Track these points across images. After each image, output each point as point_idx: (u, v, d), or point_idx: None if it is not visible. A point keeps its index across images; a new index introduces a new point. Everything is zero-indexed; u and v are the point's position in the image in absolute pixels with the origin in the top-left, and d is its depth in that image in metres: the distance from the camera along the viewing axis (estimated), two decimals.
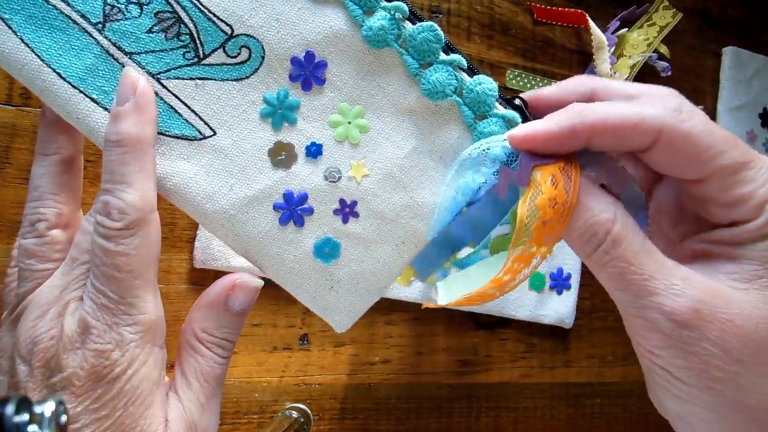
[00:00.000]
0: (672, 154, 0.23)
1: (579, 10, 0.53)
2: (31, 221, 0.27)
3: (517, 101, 0.28)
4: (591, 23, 0.52)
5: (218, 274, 0.41)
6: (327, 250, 0.29)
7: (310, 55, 0.28)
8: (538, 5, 0.53)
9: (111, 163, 0.25)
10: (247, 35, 0.27)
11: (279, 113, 0.28)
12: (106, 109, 0.26)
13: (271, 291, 0.44)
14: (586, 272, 0.51)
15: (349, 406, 0.45)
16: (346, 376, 0.45)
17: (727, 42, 0.62)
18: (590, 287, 0.53)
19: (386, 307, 0.47)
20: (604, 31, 0.52)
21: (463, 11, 0.51)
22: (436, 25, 0.27)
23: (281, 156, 0.28)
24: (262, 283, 0.29)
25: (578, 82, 0.26)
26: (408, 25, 0.28)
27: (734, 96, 0.61)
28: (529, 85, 0.52)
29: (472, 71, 0.28)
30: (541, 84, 0.52)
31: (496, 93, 0.28)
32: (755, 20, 0.65)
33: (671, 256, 0.24)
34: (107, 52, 0.26)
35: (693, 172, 0.23)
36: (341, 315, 0.30)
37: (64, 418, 0.21)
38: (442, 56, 0.28)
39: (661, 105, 0.23)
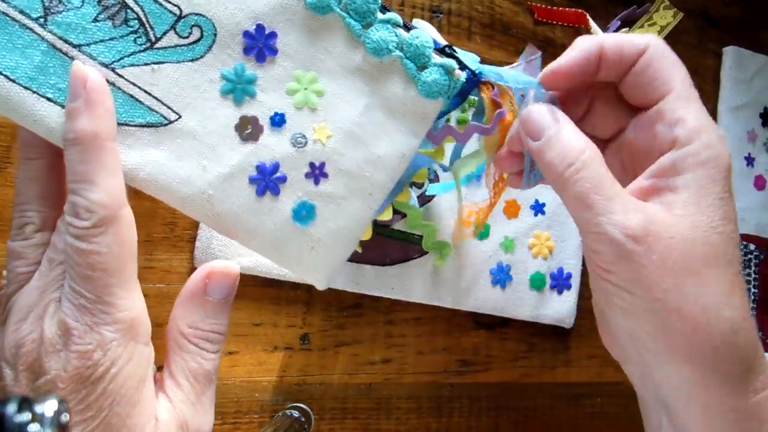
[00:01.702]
0: (646, 69, 0.29)
1: (579, 10, 0.53)
2: (19, 224, 0.27)
3: (448, 49, 0.31)
4: (591, 23, 0.52)
5: None
6: (304, 213, 0.30)
7: (260, 27, 0.28)
8: (538, 5, 0.53)
9: (71, 162, 0.24)
10: (197, 14, 0.27)
11: (239, 88, 0.28)
12: (63, 107, 0.25)
13: (272, 291, 0.44)
14: (586, 272, 0.51)
15: (349, 405, 0.45)
16: (346, 375, 0.45)
17: (728, 42, 0.62)
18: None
19: (387, 307, 0.47)
20: (604, 30, 0.52)
21: (464, 11, 0.51)
22: None
23: (248, 130, 0.29)
24: (238, 267, 0.29)
25: (585, 44, 0.30)
26: None
27: (735, 96, 0.60)
28: None
29: (407, 27, 0.30)
30: None
31: (432, 44, 0.30)
32: (755, 20, 0.65)
33: None
34: (54, 46, 0.25)
35: (655, 89, 0.28)
36: (324, 272, 0.31)
37: (65, 417, 0.21)
38: (380, 15, 0.29)
39: (652, 36, 0.29)
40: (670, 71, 0.28)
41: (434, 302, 0.46)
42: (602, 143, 0.33)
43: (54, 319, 0.24)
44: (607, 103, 0.32)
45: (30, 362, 0.24)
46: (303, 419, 0.42)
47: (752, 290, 0.59)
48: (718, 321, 0.25)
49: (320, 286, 0.32)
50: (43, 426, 0.19)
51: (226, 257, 0.41)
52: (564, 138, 0.28)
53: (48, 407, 0.20)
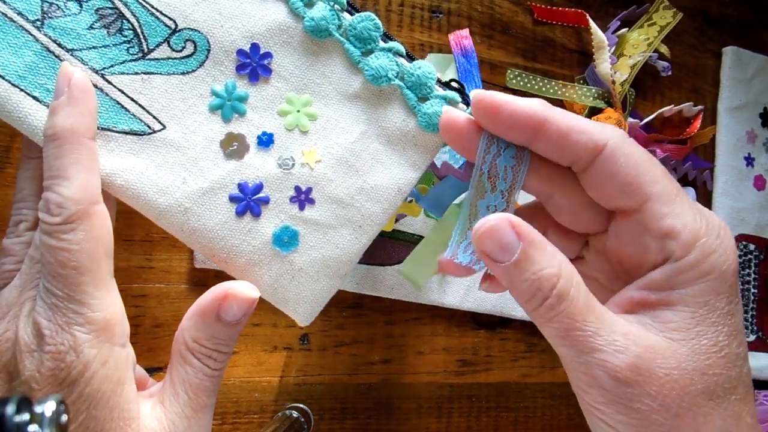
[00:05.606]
0: (611, 173, 0.23)
1: (579, 10, 0.53)
2: (15, 222, 0.27)
3: (454, 83, 0.30)
4: (591, 23, 0.52)
5: (219, 273, 0.41)
6: (286, 239, 0.29)
7: (255, 47, 0.29)
8: (538, 5, 0.53)
9: (48, 158, 0.24)
10: (192, 29, 0.28)
11: (228, 105, 0.28)
12: (48, 107, 0.26)
13: None
14: None
15: (349, 405, 0.45)
16: (346, 375, 0.45)
17: (728, 42, 0.62)
18: None
19: (387, 307, 0.47)
20: (604, 30, 0.52)
21: (464, 11, 0.51)
22: (374, 15, 0.29)
23: (233, 147, 0.28)
24: (258, 294, 0.28)
25: (536, 109, 0.24)
26: (347, 16, 0.29)
27: (734, 96, 0.60)
28: (528, 85, 0.52)
29: (410, 57, 0.30)
30: (541, 83, 0.52)
31: (435, 76, 0.30)
32: (755, 20, 0.65)
33: (610, 308, 0.24)
34: (48, 49, 0.26)
35: (628, 197, 0.23)
36: (304, 306, 0.30)
37: (64, 417, 0.21)
38: (382, 44, 0.29)
39: (611, 128, 0.24)
40: (643, 171, 0.23)
41: (434, 302, 0.46)
42: (583, 236, 0.28)
43: (29, 319, 0.24)
44: (573, 199, 0.26)
45: (5, 362, 0.24)
46: (303, 419, 0.42)
47: (752, 290, 0.58)
48: None
49: (300, 321, 0.30)
50: (42, 426, 0.19)
51: None
52: (532, 264, 0.23)
53: (47, 407, 0.20)
